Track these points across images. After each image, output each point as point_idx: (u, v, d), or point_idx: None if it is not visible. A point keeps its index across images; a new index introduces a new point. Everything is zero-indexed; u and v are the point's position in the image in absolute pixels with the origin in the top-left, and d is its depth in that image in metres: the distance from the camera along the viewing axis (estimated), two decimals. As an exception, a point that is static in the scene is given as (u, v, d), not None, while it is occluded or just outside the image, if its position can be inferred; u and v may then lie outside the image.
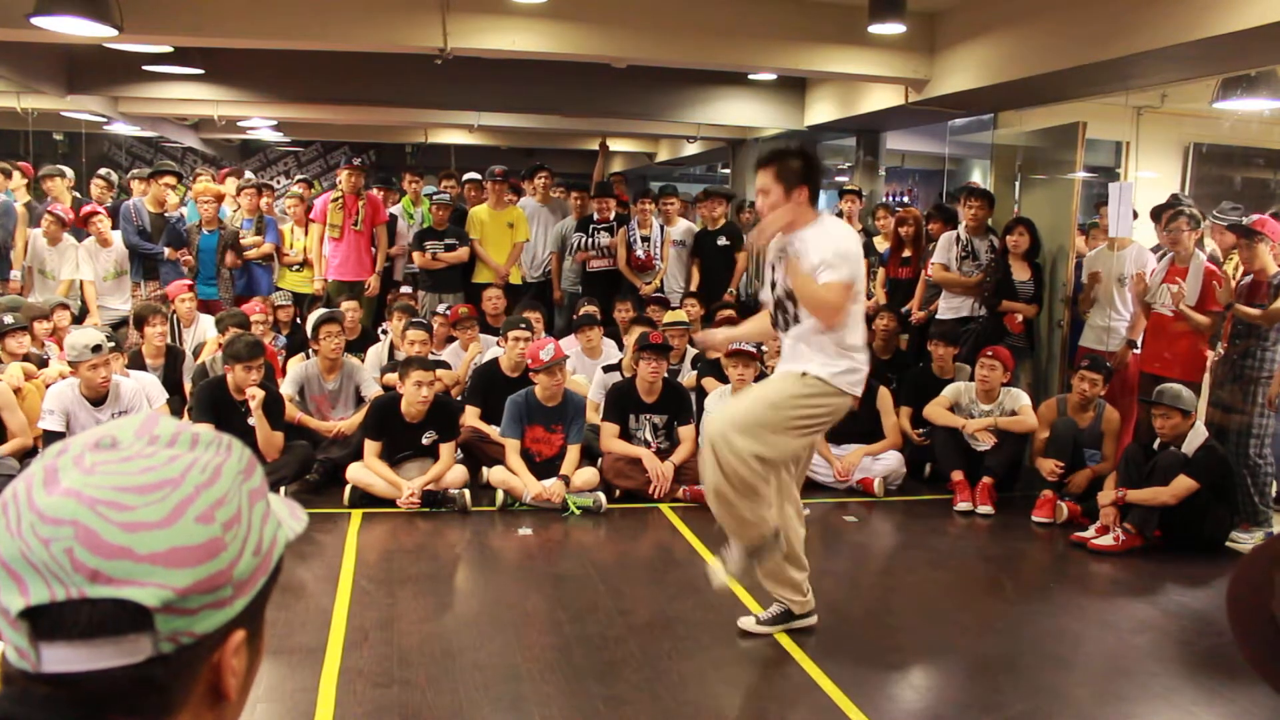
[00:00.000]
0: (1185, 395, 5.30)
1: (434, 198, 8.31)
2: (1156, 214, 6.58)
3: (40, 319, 6.44)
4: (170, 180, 8.13)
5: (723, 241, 8.27)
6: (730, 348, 6.22)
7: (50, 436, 5.16)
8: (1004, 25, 6.41)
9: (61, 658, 0.69)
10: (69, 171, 8.78)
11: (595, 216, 8.32)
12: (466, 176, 9.11)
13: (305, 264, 8.41)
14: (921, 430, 6.43)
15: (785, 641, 3.90)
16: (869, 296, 7.87)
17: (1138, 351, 6.41)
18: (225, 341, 5.97)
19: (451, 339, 7.33)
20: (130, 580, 0.69)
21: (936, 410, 6.20)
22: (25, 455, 5.42)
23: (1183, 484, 5.14)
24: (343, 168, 8.33)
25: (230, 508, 0.74)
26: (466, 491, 5.57)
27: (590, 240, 8.26)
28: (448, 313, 7.54)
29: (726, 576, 3.78)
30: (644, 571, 4.84)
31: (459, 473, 5.70)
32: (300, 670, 3.51)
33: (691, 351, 7.20)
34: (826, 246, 3.49)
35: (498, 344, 6.65)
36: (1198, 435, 5.26)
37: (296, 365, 6.46)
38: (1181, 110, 7.93)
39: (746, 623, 3.96)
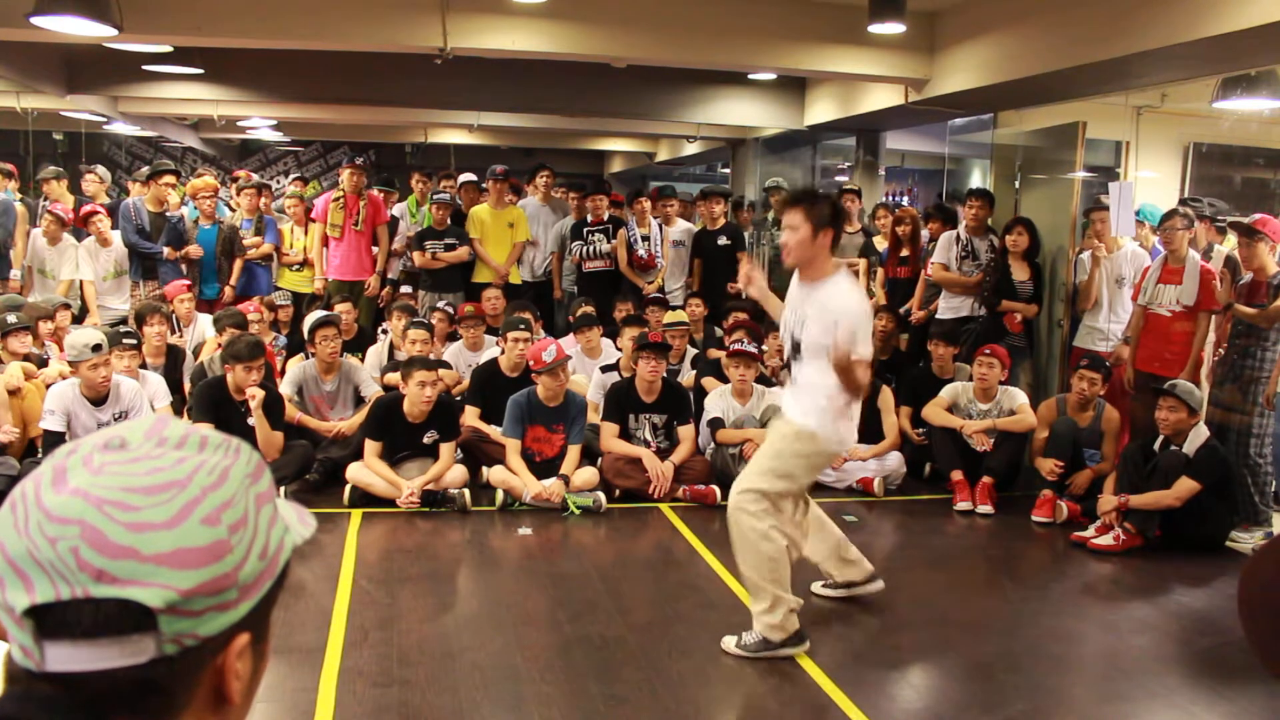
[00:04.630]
0: (1197, 393, 5.31)
1: (434, 197, 8.31)
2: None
3: (44, 319, 6.44)
4: (170, 180, 8.12)
5: (723, 241, 8.27)
6: (731, 348, 6.23)
7: (51, 436, 5.16)
8: (1004, 25, 6.41)
9: (65, 657, 0.69)
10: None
11: (590, 219, 8.31)
12: (463, 178, 9.10)
13: (305, 264, 8.41)
14: (921, 430, 6.43)
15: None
16: (869, 296, 7.88)
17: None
18: (226, 341, 5.97)
19: (454, 336, 7.33)
20: (135, 581, 0.69)
21: (934, 411, 6.20)
22: (24, 455, 5.43)
23: (1185, 486, 5.14)
24: (345, 166, 8.33)
25: (237, 510, 0.74)
26: (466, 491, 5.57)
27: (588, 248, 8.24)
28: (449, 309, 7.54)
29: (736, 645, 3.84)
30: (644, 571, 4.84)
31: (459, 472, 5.70)
32: (300, 670, 3.51)
33: (691, 351, 7.20)
34: (850, 312, 3.63)
35: (497, 344, 6.65)
36: (1199, 435, 5.26)
37: (295, 366, 6.46)
38: (1181, 110, 7.93)
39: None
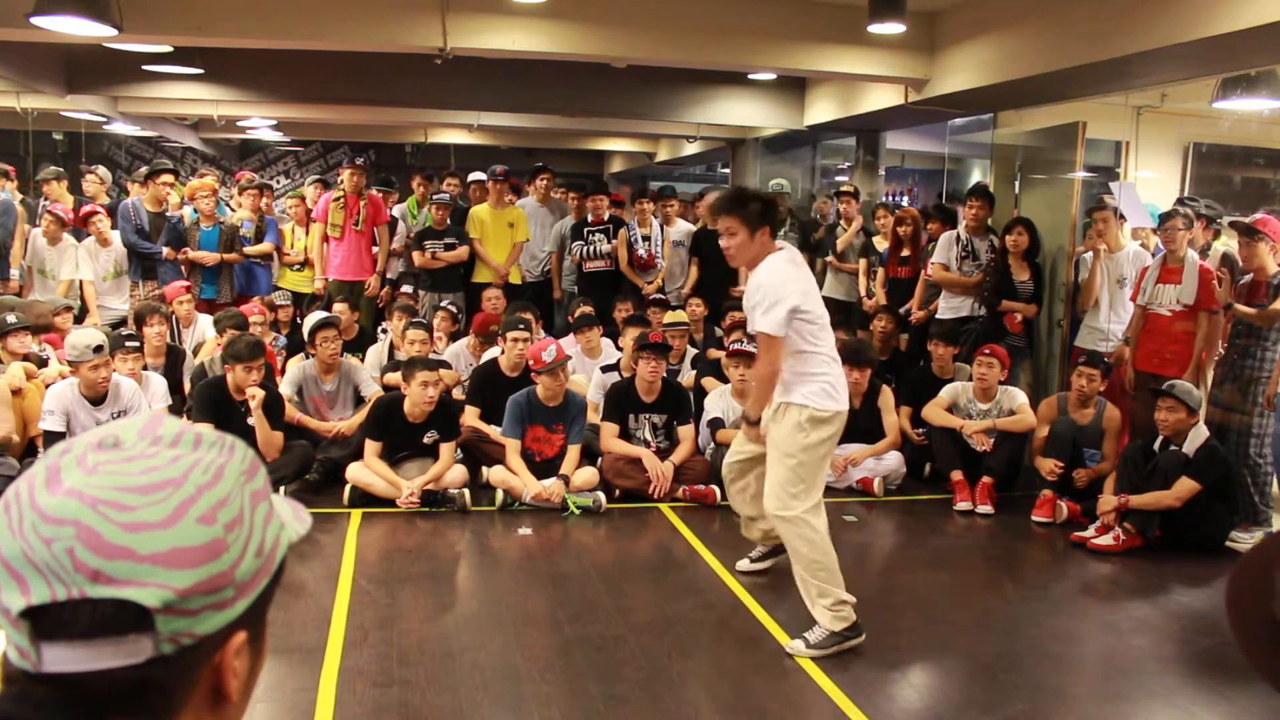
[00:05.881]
0: (1195, 393, 5.31)
1: (434, 197, 8.32)
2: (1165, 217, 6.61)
3: (43, 328, 6.43)
4: (169, 179, 8.12)
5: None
6: (731, 348, 6.24)
7: (51, 437, 5.16)
8: (1004, 25, 6.41)
9: (62, 658, 0.69)
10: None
11: (590, 219, 8.31)
12: (471, 177, 9.10)
13: (306, 263, 8.41)
14: (921, 430, 6.43)
15: (785, 641, 3.90)
16: (869, 296, 7.88)
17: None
18: (225, 342, 5.98)
19: (456, 336, 7.33)
20: (131, 581, 0.69)
21: (934, 411, 6.20)
22: (24, 455, 5.43)
23: (1185, 486, 5.13)
24: (345, 167, 8.33)
25: (233, 509, 0.74)
26: (466, 491, 5.57)
27: (588, 247, 8.24)
28: (453, 308, 7.54)
29: (807, 652, 3.80)
30: (644, 571, 4.84)
31: (459, 472, 5.70)
32: (300, 670, 3.51)
33: (691, 351, 7.21)
34: (758, 288, 3.76)
35: (497, 343, 6.65)
36: (1199, 434, 5.26)
37: (294, 366, 6.46)
38: (1181, 110, 7.94)
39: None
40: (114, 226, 7.71)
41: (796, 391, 3.80)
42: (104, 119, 11.03)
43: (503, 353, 6.31)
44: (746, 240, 3.78)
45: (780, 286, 3.72)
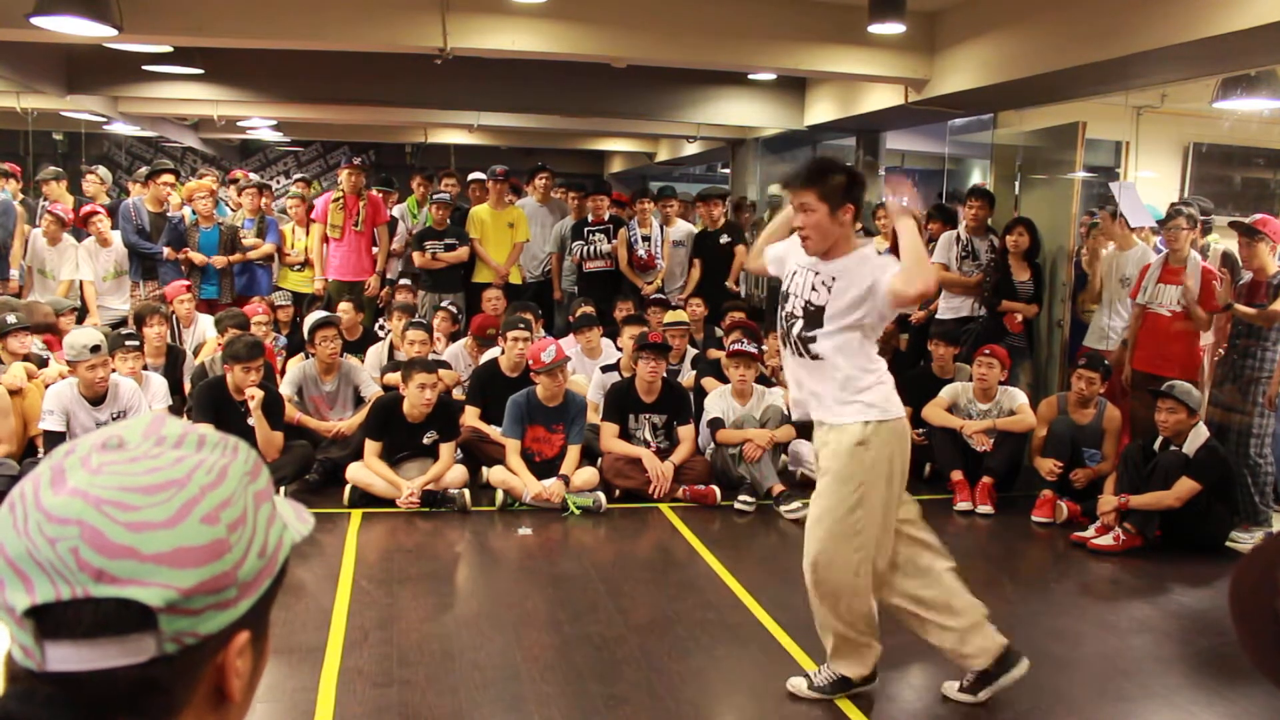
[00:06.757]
0: (1195, 393, 5.32)
1: (434, 197, 8.32)
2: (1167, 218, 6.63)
3: (48, 328, 6.43)
4: (169, 179, 8.12)
5: (725, 241, 8.26)
6: (731, 348, 6.24)
7: (51, 436, 5.16)
8: (1004, 25, 6.41)
9: (66, 657, 0.69)
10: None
11: (590, 219, 8.31)
12: (471, 177, 9.10)
13: (306, 264, 8.41)
14: (921, 430, 6.43)
15: (785, 641, 3.90)
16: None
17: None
18: (225, 342, 5.98)
19: (455, 336, 7.33)
20: (135, 580, 0.69)
21: (935, 411, 6.20)
22: (24, 455, 5.43)
23: (1185, 486, 5.13)
24: (343, 167, 8.32)
25: (236, 509, 0.75)
26: (466, 491, 5.57)
27: (588, 247, 8.24)
28: (452, 309, 7.54)
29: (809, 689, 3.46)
30: (644, 571, 4.84)
31: (459, 473, 5.70)
32: (300, 670, 3.51)
33: (691, 351, 7.21)
34: (860, 261, 3.22)
35: (497, 344, 6.66)
36: (1199, 435, 5.26)
37: (295, 366, 6.46)
38: (1181, 110, 7.94)
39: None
40: (114, 227, 7.71)
41: (854, 406, 3.22)
42: (104, 119, 11.03)
43: (503, 353, 6.31)
44: (825, 219, 3.15)
45: (884, 263, 3.19)
